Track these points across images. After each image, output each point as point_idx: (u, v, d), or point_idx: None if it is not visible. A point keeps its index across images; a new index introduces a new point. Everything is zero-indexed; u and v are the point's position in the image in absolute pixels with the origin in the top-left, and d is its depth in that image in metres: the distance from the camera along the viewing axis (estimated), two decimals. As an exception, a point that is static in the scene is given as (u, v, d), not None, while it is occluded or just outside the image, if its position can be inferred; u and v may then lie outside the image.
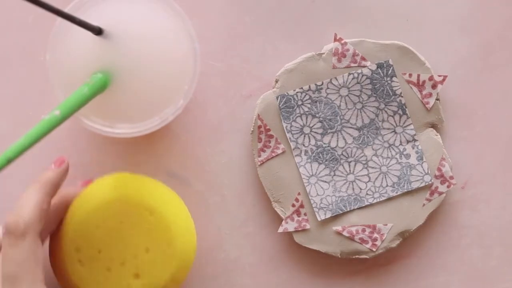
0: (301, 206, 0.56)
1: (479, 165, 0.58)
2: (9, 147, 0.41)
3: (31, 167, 0.57)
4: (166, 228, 0.51)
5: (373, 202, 0.56)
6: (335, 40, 0.56)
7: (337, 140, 0.56)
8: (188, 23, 0.51)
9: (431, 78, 0.56)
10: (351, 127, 0.56)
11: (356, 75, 0.56)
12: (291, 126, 0.56)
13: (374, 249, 0.56)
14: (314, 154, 0.56)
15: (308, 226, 0.56)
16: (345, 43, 0.56)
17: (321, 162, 0.56)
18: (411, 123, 0.56)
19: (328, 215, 0.56)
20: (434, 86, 0.56)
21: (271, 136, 0.56)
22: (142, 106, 0.51)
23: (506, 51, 0.58)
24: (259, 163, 0.57)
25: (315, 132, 0.56)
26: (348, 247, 0.56)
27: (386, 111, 0.56)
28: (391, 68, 0.56)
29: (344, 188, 0.56)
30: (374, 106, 0.56)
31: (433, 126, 0.57)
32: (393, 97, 0.56)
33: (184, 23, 0.51)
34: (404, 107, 0.56)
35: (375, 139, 0.56)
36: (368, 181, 0.56)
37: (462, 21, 0.58)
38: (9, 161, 0.41)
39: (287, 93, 0.56)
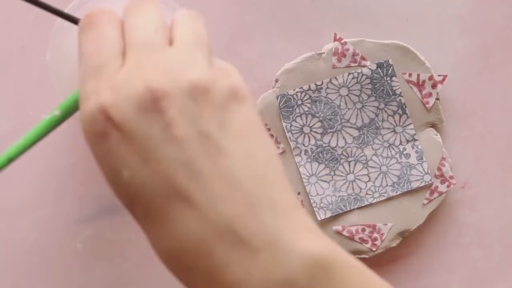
0: (301, 205, 0.56)
1: (479, 165, 0.58)
2: (9, 147, 0.41)
3: (32, 167, 0.57)
4: None
5: (373, 201, 0.56)
6: (335, 39, 0.56)
7: (337, 140, 0.56)
8: (188, 23, 0.51)
9: (431, 78, 0.56)
10: (351, 127, 0.56)
11: (356, 74, 0.56)
12: (291, 126, 0.56)
13: (374, 249, 0.56)
14: (314, 154, 0.56)
15: (308, 226, 0.56)
16: (345, 43, 0.56)
17: (321, 161, 0.56)
18: (411, 123, 0.56)
19: (328, 214, 0.56)
20: (434, 86, 0.56)
21: (271, 136, 0.56)
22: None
23: (506, 51, 0.58)
24: (259, 163, 0.57)
25: (315, 132, 0.56)
26: (348, 247, 0.56)
27: (386, 111, 0.56)
28: (391, 67, 0.56)
29: (344, 188, 0.56)
30: (374, 106, 0.56)
31: (433, 125, 0.57)
32: (393, 96, 0.56)
33: (184, 23, 0.51)
34: (404, 106, 0.56)
35: (375, 138, 0.56)
36: (368, 181, 0.56)
37: (462, 21, 0.58)
38: (10, 160, 0.41)
39: (287, 92, 0.56)
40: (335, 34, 0.56)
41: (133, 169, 0.34)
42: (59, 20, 0.49)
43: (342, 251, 0.36)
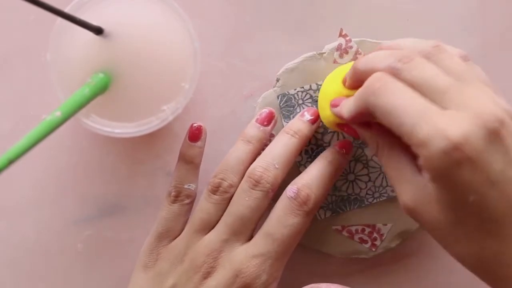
0: None
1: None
2: (10, 148, 0.41)
3: (32, 167, 0.57)
4: None
5: (373, 202, 0.56)
6: (340, 35, 0.56)
7: (338, 140, 0.56)
8: (188, 23, 0.51)
9: (431, 78, 0.56)
10: (351, 127, 0.56)
11: (356, 74, 0.56)
12: (291, 126, 0.56)
13: (373, 249, 0.56)
14: (314, 153, 0.56)
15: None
16: (350, 40, 0.56)
17: (321, 161, 0.56)
18: (411, 123, 0.56)
19: (328, 214, 0.56)
20: (434, 86, 0.56)
21: (272, 135, 0.56)
22: (142, 105, 0.51)
23: (507, 51, 0.58)
24: (259, 163, 0.57)
25: (315, 131, 0.56)
26: (347, 247, 0.56)
27: (386, 111, 0.56)
28: (392, 68, 0.56)
29: (344, 188, 0.56)
30: (374, 106, 0.56)
31: (434, 126, 0.57)
32: (393, 97, 0.56)
33: (184, 23, 0.51)
34: (404, 107, 0.56)
35: (375, 139, 0.56)
36: (368, 181, 0.56)
37: (463, 21, 0.58)
38: (10, 162, 0.41)
39: (287, 92, 0.56)
40: (341, 30, 0.56)
41: (480, 194, 0.39)
42: (59, 20, 0.49)
43: None
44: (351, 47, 0.56)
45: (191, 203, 0.53)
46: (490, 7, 0.58)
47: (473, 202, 0.40)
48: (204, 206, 0.52)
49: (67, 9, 0.49)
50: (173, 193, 0.53)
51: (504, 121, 0.40)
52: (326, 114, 0.51)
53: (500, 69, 0.58)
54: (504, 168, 0.39)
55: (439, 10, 0.58)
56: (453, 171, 0.39)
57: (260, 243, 0.50)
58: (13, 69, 0.57)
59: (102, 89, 0.48)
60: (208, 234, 0.51)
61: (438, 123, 0.39)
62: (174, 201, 0.53)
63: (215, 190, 0.51)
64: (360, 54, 0.56)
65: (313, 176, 0.51)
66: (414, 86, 0.42)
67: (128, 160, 0.57)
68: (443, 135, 0.39)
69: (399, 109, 0.41)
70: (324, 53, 0.56)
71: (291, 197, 0.50)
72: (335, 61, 0.56)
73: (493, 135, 0.39)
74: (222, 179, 0.51)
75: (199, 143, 0.53)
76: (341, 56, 0.56)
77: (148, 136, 0.55)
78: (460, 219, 0.41)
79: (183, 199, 0.53)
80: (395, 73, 0.43)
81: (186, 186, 0.53)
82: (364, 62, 0.46)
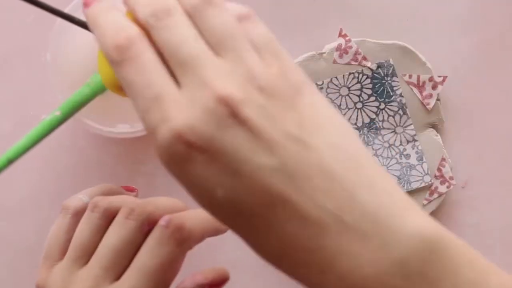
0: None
1: (479, 165, 0.58)
2: (10, 148, 0.41)
3: (32, 167, 0.57)
4: None
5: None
6: (340, 35, 0.56)
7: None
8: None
9: (431, 79, 0.56)
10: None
11: (356, 74, 0.56)
12: (291, 126, 0.56)
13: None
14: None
15: (308, 226, 0.56)
16: (349, 40, 0.56)
17: (321, 161, 0.56)
18: (411, 123, 0.56)
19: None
20: (434, 87, 0.56)
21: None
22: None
23: (507, 51, 0.58)
24: (259, 163, 0.57)
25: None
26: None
27: (386, 111, 0.56)
28: (392, 67, 0.56)
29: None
30: (374, 106, 0.56)
31: (434, 126, 0.57)
32: (393, 97, 0.56)
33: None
34: (404, 107, 0.56)
35: (375, 139, 0.56)
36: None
37: (463, 21, 0.58)
38: (10, 161, 0.41)
39: (287, 92, 0.56)
40: (341, 29, 0.56)
41: (227, 186, 0.33)
42: (59, 20, 0.49)
43: (445, 229, 0.35)
44: (350, 47, 0.56)
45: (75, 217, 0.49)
46: (490, 7, 0.58)
47: (224, 197, 0.33)
48: (81, 228, 0.48)
49: (67, 10, 0.49)
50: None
51: (246, 100, 0.32)
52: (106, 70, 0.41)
53: (500, 69, 0.58)
54: (249, 154, 0.32)
55: (439, 10, 0.58)
56: (184, 166, 0.33)
57: (130, 280, 0.45)
58: (13, 69, 0.57)
59: (101, 89, 0.48)
60: (82, 270, 0.47)
61: (168, 108, 0.32)
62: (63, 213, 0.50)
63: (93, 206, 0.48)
64: (359, 54, 0.56)
65: (191, 213, 0.47)
66: (162, 52, 0.34)
67: (128, 160, 0.57)
68: (168, 123, 0.32)
69: (135, 87, 0.33)
70: (324, 53, 0.56)
71: (163, 225, 0.45)
72: (334, 61, 0.56)
73: (229, 117, 0.32)
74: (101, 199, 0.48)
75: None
76: (340, 56, 0.56)
77: (148, 136, 0.55)
78: (220, 217, 0.35)
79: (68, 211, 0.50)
80: (149, 30, 0.35)
81: (80, 196, 0.50)
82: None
